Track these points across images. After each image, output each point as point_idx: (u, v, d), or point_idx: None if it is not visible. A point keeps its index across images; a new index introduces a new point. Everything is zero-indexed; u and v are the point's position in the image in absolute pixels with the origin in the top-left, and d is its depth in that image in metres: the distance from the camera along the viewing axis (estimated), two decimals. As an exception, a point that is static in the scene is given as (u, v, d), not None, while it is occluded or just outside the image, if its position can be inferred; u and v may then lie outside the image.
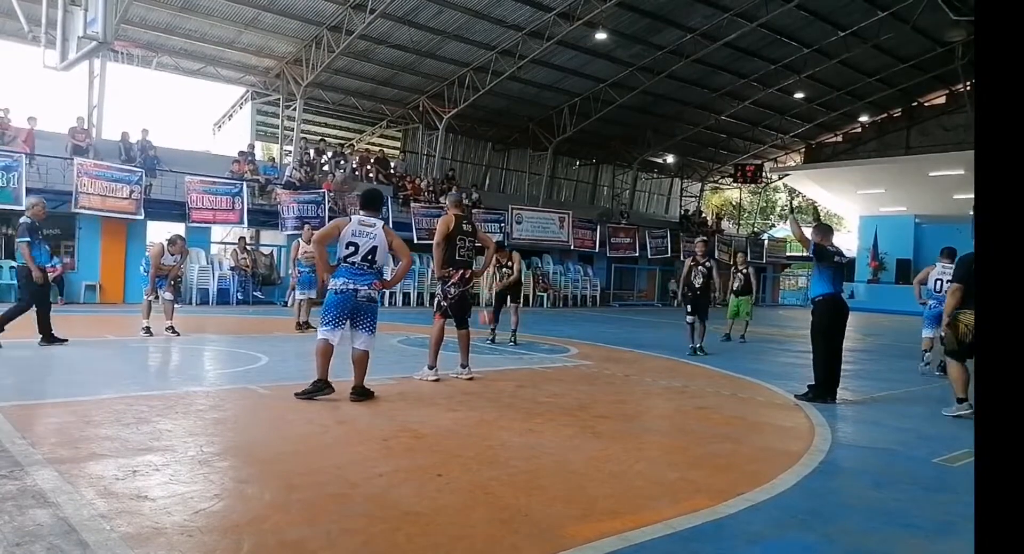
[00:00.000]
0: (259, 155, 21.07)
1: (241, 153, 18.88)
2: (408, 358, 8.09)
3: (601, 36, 19.44)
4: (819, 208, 33.00)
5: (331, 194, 17.86)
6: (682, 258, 24.32)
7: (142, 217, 15.62)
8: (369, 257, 5.46)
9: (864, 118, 30.07)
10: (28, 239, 7.78)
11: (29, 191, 13.12)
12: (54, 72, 9.59)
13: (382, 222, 5.65)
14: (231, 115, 23.83)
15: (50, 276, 8.82)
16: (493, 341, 10.27)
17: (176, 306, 9.96)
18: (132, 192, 15.33)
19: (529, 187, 27.72)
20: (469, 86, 21.40)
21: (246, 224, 17.37)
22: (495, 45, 19.93)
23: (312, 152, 21.28)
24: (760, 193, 41.31)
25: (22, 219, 8.03)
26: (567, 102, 24.09)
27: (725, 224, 36.07)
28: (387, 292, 16.81)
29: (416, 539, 2.80)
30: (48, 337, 7.98)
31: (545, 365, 8.26)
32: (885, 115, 30.00)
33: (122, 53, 17.98)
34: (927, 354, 9.11)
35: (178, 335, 9.28)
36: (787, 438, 4.97)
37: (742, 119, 28.31)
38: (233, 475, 3.55)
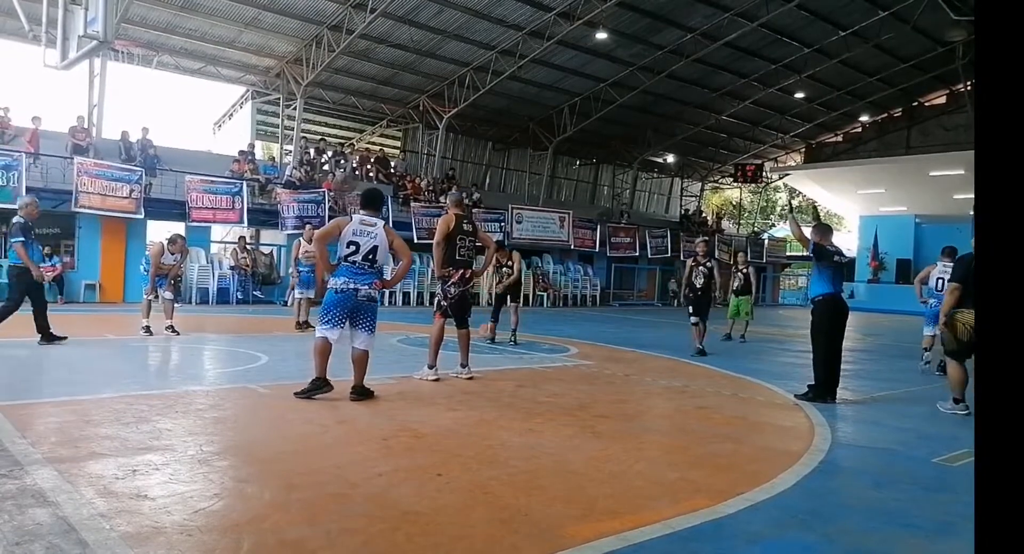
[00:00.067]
0: (259, 154, 21.09)
1: (241, 152, 18.88)
2: (408, 358, 8.08)
3: (601, 36, 19.45)
4: (819, 208, 32.97)
5: (331, 193, 17.87)
6: (682, 258, 24.39)
7: (142, 216, 15.63)
8: (370, 256, 5.47)
9: (864, 118, 30.09)
10: (22, 239, 7.77)
11: (29, 190, 13.12)
12: (54, 71, 9.60)
13: (383, 222, 5.66)
14: (231, 114, 23.83)
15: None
16: (493, 341, 10.26)
17: (176, 305, 9.97)
18: (132, 191, 15.34)
19: (529, 187, 27.73)
20: (469, 86, 21.40)
21: (246, 223, 17.39)
22: (495, 45, 19.93)
23: (312, 151, 21.28)
24: (760, 193, 41.31)
25: (15, 219, 7.99)
26: (567, 102, 24.09)
27: (725, 224, 36.08)
28: (387, 291, 16.81)
29: (416, 539, 2.79)
30: (47, 336, 7.98)
31: (545, 365, 8.26)
32: (885, 115, 30.01)
33: (122, 52, 17.97)
34: (927, 354, 9.13)
35: (178, 334, 9.28)
36: (787, 438, 4.97)
37: (742, 119, 28.31)
38: (233, 474, 3.55)
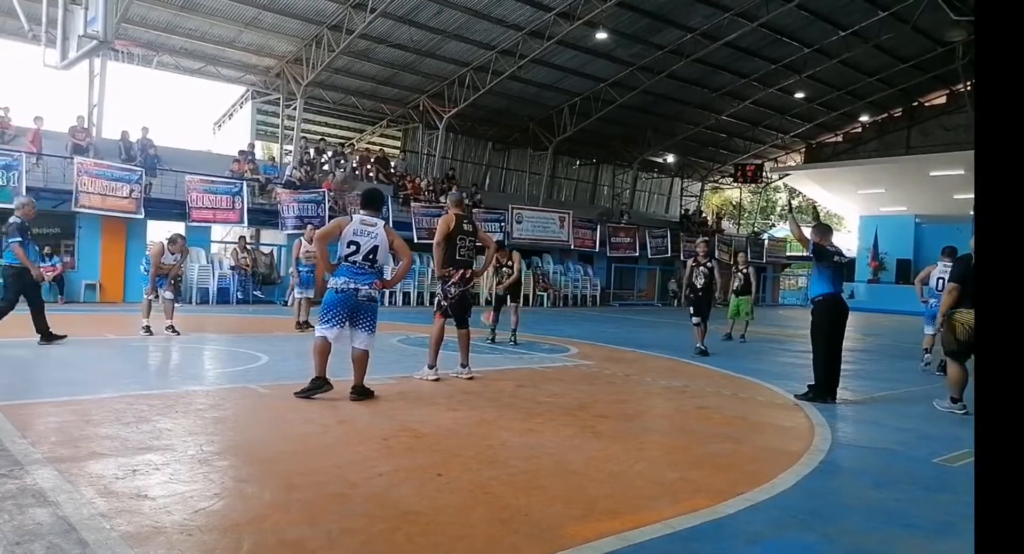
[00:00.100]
0: (259, 154, 21.09)
1: (241, 152, 18.88)
2: (408, 358, 8.09)
3: (601, 36, 19.44)
4: (819, 208, 32.98)
5: (331, 193, 17.87)
6: (682, 258, 24.40)
7: (142, 216, 15.63)
8: (370, 256, 5.47)
9: (864, 118, 30.08)
10: (20, 239, 7.76)
11: (29, 190, 13.12)
12: (54, 71, 9.60)
13: (383, 222, 5.66)
14: (231, 114, 23.83)
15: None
16: (493, 341, 10.28)
17: (176, 305, 9.97)
18: (132, 191, 15.34)
19: (529, 187, 27.73)
20: (469, 85, 21.40)
21: (246, 223, 17.38)
22: (495, 45, 19.93)
23: (312, 151, 21.28)
24: (760, 193, 41.31)
25: (11, 219, 7.98)
26: (567, 102, 24.09)
27: (725, 224, 36.07)
28: (387, 291, 16.82)
29: (416, 539, 2.80)
30: (46, 335, 7.98)
31: (545, 365, 8.26)
32: (885, 115, 30.00)
33: (122, 52, 17.98)
34: (927, 354, 9.13)
35: (178, 334, 9.28)
36: (787, 438, 4.97)
37: (742, 119, 28.31)
38: (233, 474, 3.55)
